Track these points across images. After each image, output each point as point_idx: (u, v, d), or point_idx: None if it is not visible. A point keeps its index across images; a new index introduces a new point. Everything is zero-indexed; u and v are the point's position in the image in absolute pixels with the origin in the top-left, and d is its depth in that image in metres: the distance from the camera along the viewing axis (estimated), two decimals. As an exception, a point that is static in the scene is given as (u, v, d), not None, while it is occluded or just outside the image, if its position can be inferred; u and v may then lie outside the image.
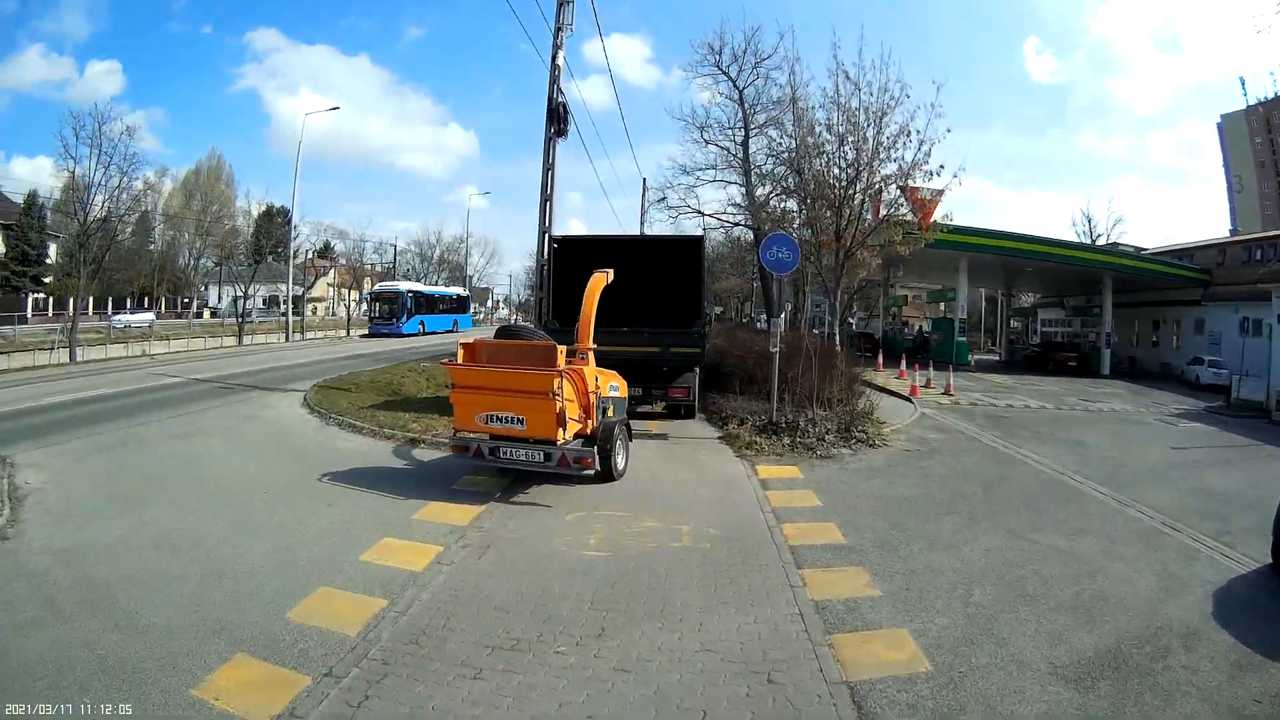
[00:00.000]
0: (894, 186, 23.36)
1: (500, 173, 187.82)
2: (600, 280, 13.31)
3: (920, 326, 73.00)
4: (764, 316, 42.05)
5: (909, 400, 23.97)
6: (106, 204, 61.53)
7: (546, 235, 20.94)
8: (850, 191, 22.99)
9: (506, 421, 11.12)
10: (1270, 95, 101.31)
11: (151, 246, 77.31)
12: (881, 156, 22.68)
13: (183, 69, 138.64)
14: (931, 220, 25.04)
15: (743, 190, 37.44)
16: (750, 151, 37.16)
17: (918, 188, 23.59)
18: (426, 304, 64.12)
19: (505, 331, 13.63)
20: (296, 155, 59.07)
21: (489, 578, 7.91)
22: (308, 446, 14.78)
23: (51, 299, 59.64)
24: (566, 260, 18.63)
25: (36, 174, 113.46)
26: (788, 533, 9.56)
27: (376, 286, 68.43)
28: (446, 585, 7.68)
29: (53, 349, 34.59)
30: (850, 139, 22.93)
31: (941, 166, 22.39)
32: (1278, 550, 9.43)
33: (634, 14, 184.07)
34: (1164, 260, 52.73)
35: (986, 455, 16.20)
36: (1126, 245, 66.42)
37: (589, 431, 12.11)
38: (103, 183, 58.99)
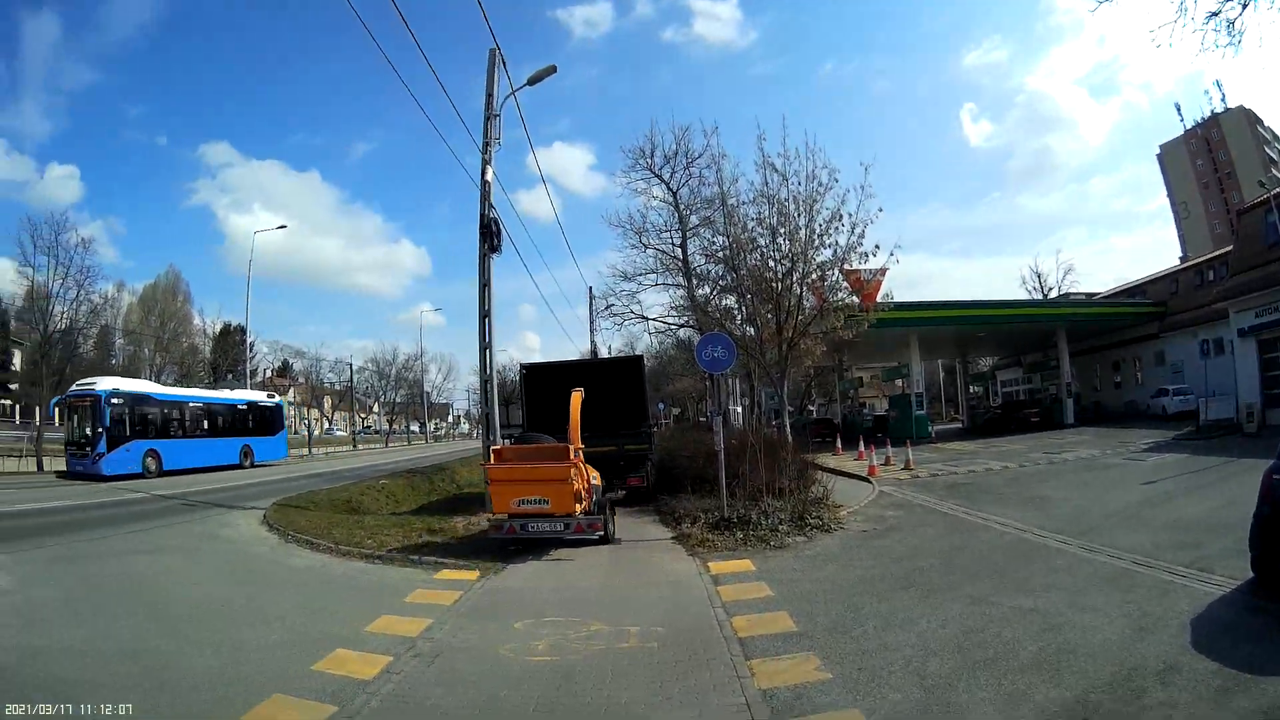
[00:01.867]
0: (832, 272, 23.26)
1: (454, 289, 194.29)
2: (578, 397, 15.58)
3: (874, 406, 73.04)
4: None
5: (867, 480, 23.57)
6: (66, 315, 60.97)
7: (488, 351, 21.02)
8: (787, 283, 22.87)
9: (534, 503, 14.23)
10: (1207, 114, 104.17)
11: (113, 361, 76.03)
12: (815, 244, 22.60)
13: (139, 180, 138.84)
14: (874, 301, 24.96)
15: (684, 292, 37.54)
16: (689, 252, 37.36)
17: (856, 270, 23.57)
18: (169, 420, 38.83)
19: (523, 439, 17.55)
20: (248, 273, 58.16)
21: (436, 685, 7.81)
22: (265, 564, 14.99)
23: (19, 406, 58.28)
24: (533, 382, 23.10)
25: None
26: (737, 625, 9.26)
27: (72, 387, 38.20)
28: (395, 693, 7.60)
29: (21, 456, 35.89)
30: (782, 230, 22.86)
31: (877, 246, 22.26)
32: (1258, 563, 9.20)
33: (573, 124, 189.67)
34: (1116, 302, 53.79)
35: (946, 525, 15.83)
36: (1079, 294, 67.54)
37: (589, 508, 15.03)
38: (61, 293, 58.58)
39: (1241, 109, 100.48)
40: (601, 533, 15.06)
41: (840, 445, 36.41)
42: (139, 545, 16.39)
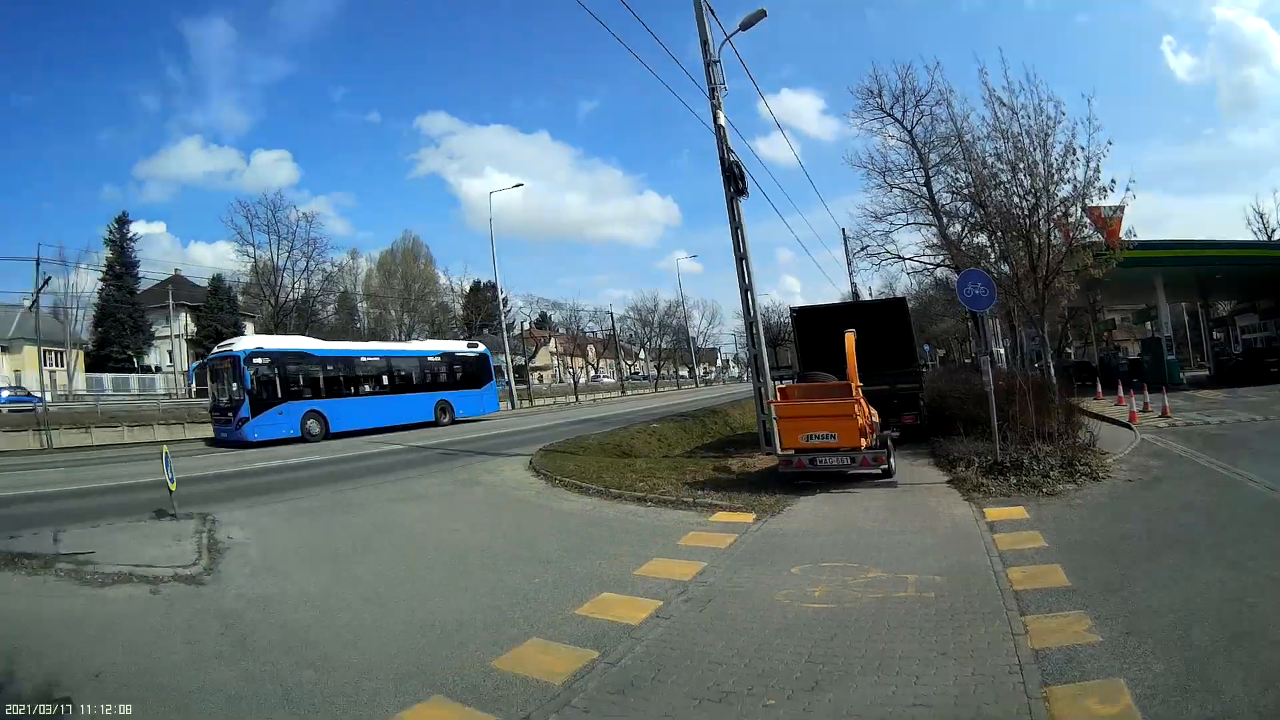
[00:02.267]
0: (1075, 208, 23.00)
1: (707, 236, 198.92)
2: (852, 337, 16.06)
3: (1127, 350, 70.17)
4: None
5: (1129, 427, 22.96)
6: (298, 286, 64.44)
7: (749, 294, 21.60)
8: (1034, 219, 22.77)
9: (822, 438, 15.15)
10: None
11: (358, 325, 79.77)
12: (1055, 179, 22.41)
13: (359, 155, 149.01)
14: (1118, 238, 24.68)
15: (935, 230, 37.39)
16: (935, 190, 37.27)
17: (1097, 206, 23.39)
18: (336, 378, 35.78)
19: (805, 378, 18.47)
20: (490, 232, 60.12)
21: (706, 632, 7.83)
22: (530, 508, 15.47)
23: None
24: (803, 325, 24.18)
25: (220, 259, 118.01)
26: (1013, 577, 9.14)
27: (213, 350, 38.02)
28: (662, 639, 7.65)
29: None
30: (1021, 165, 22.81)
31: (1113, 181, 21.96)
32: None
33: (796, 71, 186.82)
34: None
35: (1207, 480, 15.05)
36: (1301, 234, 61.09)
37: (872, 444, 15.89)
38: (289, 265, 62.35)
39: None
40: (885, 466, 16.00)
41: (1100, 389, 35.24)
42: (394, 494, 17.13)
